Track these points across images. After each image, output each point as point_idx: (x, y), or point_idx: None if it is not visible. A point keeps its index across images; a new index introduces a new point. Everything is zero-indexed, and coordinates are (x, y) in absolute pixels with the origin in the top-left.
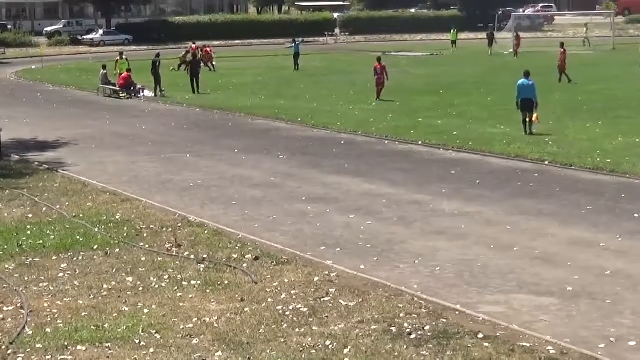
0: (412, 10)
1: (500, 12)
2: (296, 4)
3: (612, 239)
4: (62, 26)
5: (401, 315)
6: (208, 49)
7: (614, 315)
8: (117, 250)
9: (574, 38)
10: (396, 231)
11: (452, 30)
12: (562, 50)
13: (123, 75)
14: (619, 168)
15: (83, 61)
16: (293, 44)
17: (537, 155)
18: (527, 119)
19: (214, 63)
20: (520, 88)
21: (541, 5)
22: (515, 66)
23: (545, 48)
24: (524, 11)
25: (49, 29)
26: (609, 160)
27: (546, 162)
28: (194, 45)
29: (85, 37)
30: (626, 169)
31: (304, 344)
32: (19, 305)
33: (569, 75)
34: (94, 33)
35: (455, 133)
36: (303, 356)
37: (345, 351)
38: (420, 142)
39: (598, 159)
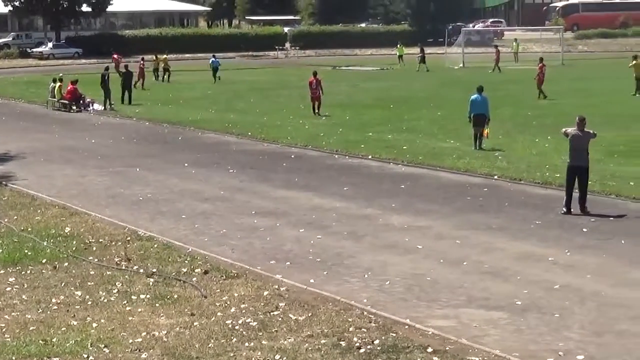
0: (363, 25)
1: (450, 27)
2: (247, 18)
3: (561, 253)
4: (11, 39)
5: (351, 329)
6: (141, 64)
7: (562, 329)
8: (66, 264)
9: (523, 52)
10: (346, 245)
11: (398, 45)
12: (541, 65)
13: (69, 88)
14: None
15: (32, 74)
16: (212, 59)
17: (487, 170)
18: (479, 134)
19: (166, 75)
20: (473, 103)
21: (491, 20)
22: (465, 81)
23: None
24: (473, 26)
25: None
26: (558, 175)
27: (495, 177)
28: (115, 55)
29: (34, 50)
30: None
31: (253, 359)
32: None
33: (544, 91)
34: (43, 46)
35: (405, 147)
36: None
37: None
38: (370, 157)
39: (547, 174)
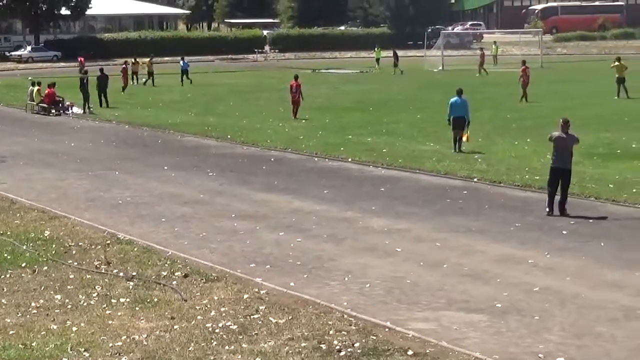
0: (342, 28)
1: (429, 30)
2: (226, 20)
3: (541, 255)
4: None
5: (331, 332)
6: (125, 68)
7: (542, 331)
8: (46, 267)
9: (502, 55)
10: (326, 248)
11: (375, 48)
12: (524, 67)
13: (47, 91)
14: (546, 185)
15: (10, 78)
16: (181, 62)
17: (466, 173)
18: (458, 137)
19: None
20: (453, 106)
21: (470, 23)
22: (444, 83)
23: (474, 66)
24: (453, 29)
25: None
26: (537, 178)
27: (475, 180)
28: (81, 59)
29: (13, 53)
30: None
31: None
32: None
33: (527, 94)
34: (22, 49)
35: (384, 150)
36: None
37: None
38: (350, 160)
39: (526, 177)
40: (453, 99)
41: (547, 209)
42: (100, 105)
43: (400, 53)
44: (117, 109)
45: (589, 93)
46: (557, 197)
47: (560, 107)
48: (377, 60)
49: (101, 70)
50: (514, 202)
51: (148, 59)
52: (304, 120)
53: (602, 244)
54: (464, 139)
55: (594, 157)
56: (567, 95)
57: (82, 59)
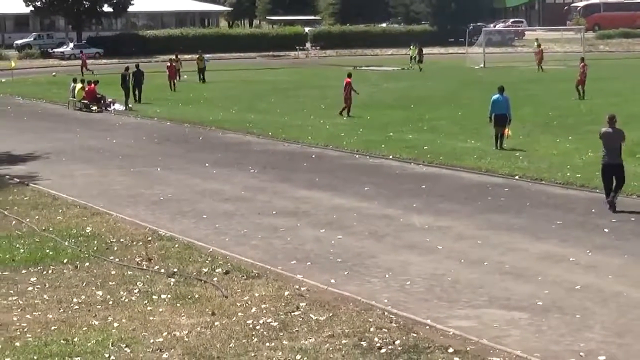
0: (384, 25)
1: (471, 27)
2: (267, 18)
3: (582, 253)
4: (32, 39)
5: (371, 329)
6: (170, 65)
7: (583, 329)
8: (87, 264)
9: (545, 52)
10: (366, 245)
11: (411, 46)
12: (583, 64)
13: (88, 88)
14: (589, 183)
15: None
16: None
17: (508, 170)
18: (500, 134)
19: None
20: (495, 103)
21: (512, 20)
22: (486, 81)
23: (516, 63)
24: (494, 26)
25: (19, 41)
26: (579, 175)
27: (516, 177)
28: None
29: (55, 50)
30: (596, 184)
31: (274, 358)
32: None
33: (585, 91)
34: (65, 46)
35: (425, 147)
36: None
37: None
38: (391, 157)
39: (568, 174)
40: (495, 96)
41: (605, 197)
42: (135, 101)
43: (442, 50)
44: (159, 105)
45: (632, 90)
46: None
47: (603, 104)
48: (412, 58)
49: (137, 66)
50: (555, 200)
51: (197, 56)
52: (345, 118)
53: None
54: (506, 135)
55: (637, 154)
56: (610, 92)
57: (84, 55)
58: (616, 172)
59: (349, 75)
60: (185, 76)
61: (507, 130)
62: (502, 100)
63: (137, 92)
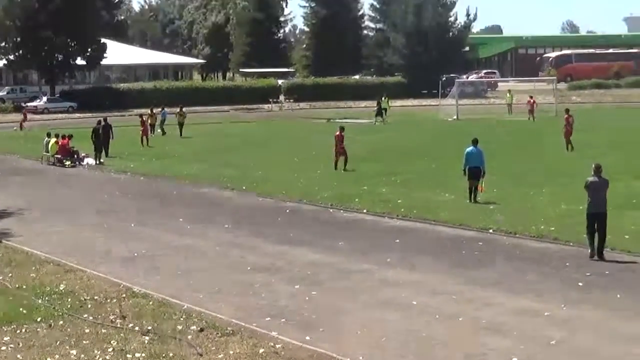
0: (357, 77)
1: (443, 79)
2: (240, 70)
3: (557, 308)
4: (5, 93)
5: None
6: (144, 119)
7: None
8: (61, 322)
9: (517, 104)
10: (341, 301)
11: (383, 98)
12: (567, 116)
13: (60, 143)
14: (562, 236)
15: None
16: (162, 111)
17: (482, 224)
18: (474, 187)
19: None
20: (468, 156)
21: (484, 71)
22: (459, 133)
23: (489, 114)
24: (467, 77)
25: None
26: (553, 228)
27: (491, 230)
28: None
29: (28, 104)
30: (570, 237)
31: None
32: None
33: (572, 142)
34: (38, 100)
35: (399, 201)
36: None
37: None
38: (365, 211)
39: (542, 227)
40: (468, 149)
41: (590, 251)
42: (106, 156)
43: (414, 102)
44: (133, 159)
45: (605, 142)
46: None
47: (575, 157)
48: (384, 110)
49: (105, 119)
50: (529, 253)
51: (178, 110)
52: (318, 171)
53: (619, 296)
54: (480, 190)
55: (610, 206)
56: (583, 143)
57: (26, 112)
58: (601, 220)
59: (342, 129)
60: (158, 130)
61: (481, 184)
62: (476, 152)
63: (105, 146)
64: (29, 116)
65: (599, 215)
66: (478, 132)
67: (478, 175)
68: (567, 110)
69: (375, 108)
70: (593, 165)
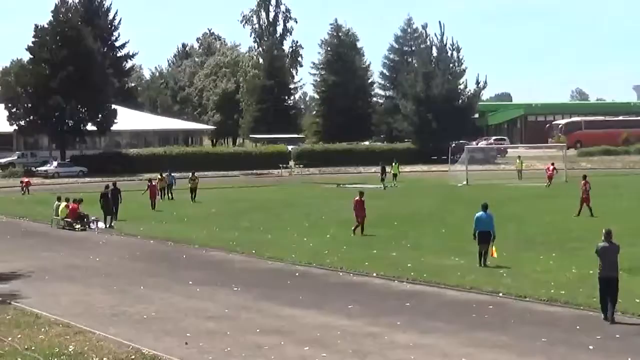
0: (366, 143)
1: (453, 145)
2: (250, 136)
3: None
4: (16, 157)
5: None
6: (151, 184)
7: None
8: None
9: (527, 170)
10: None
11: (393, 163)
12: (585, 182)
13: (71, 207)
14: (573, 300)
15: (37, 193)
16: (169, 176)
17: (492, 287)
18: (484, 252)
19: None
20: (478, 220)
21: (494, 138)
22: (468, 198)
23: (498, 180)
24: (477, 143)
25: (2, 160)
26: (563, 292)
27: (501, 294)
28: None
29: (39, 168)
30: (580, 301)
31: None
32: None
33: (592, 208)
34: (48, 165)
35: (409, 265)
36: None
37: None
38: (374, 274)
39: (552, 291)
40: (478, 214)
41: (603, 315)
42: (116, 219)
43: (424, 168)
44: (142, 223)
45: (614, 208)
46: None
47: (585, 222)
48: (395, 175)
49: (114, 184)
50: (539, 317)
51: (190, 175)
52: (328, 235)
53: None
54: (490, 253)
55: (620, 270)
56: (594, 210)
57: (26, 180)
58: (613, 284)
59: (361, 195)
60: (169, 196)
61: (493, 250)
62: (486, 217)
63: (114, 210)
64: (32, 180)
65: (611, 280)
66: (488, 198)
67: (488, 239)
68: (584, 177)
69: (379, 174)
70: (604, 231)
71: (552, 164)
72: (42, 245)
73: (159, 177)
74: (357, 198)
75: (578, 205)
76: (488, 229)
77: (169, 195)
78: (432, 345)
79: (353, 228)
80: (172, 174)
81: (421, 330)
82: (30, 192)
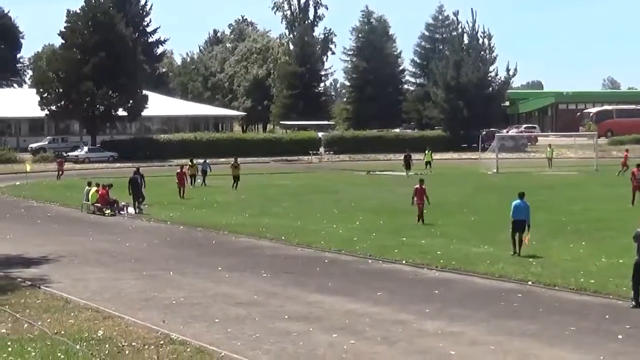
0: (397, 130)
1: (484, 133)
2: (281, 122)
3: (596, 359)
4: (47, 142)
5: None
6: (181, 171)
7: None
8: None
9: (557, 158)
10: (380, 351)
11: (426, 151)
12: (637, 169)
13: (100, 192)
14: (602, 289)
15: (68, 178)
16: (202, 163)
17: (521, 276)
18: (519, 240)
19: (198, 180)
20: (515, 208)
21: (525, 126)
22: (498, 186)
23: (529, 168)
24: (507, 132)
25: (33, 145)
26: (593, 281)
27: (530, 283)
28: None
29: (70, 153)
30: (610, 290)
31: None
32: None
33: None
34: (79, 150)
35: (438, 252)
36: None
37: None
38: (404, 262)
39: (582, 280)
40: (516, 202)
41: (633, 302)
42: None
43: (455, 155)
44: (172, 209)
45: None
46: None
47: (615, 210)
48: (428, 163)
49: (137, 169)
50: (568, 306)
51: (232, 162)
52: (357, 222)
53: None
54: (525, 242)
55: None
56: (623, 198)
57: (61, 160)
58: None
59: (422, 182)
60: (198, 180)
61: (527, 237)
62: (523, 206)
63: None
64: (65, 165)
65: None
66: (518, 186)
67: (523, 227)
68: (638, 165)
69: (403, 161)
70: None
71: (627, 150)
72: (71, 230)
73: (189, 163)
74: (417, 186)
75: (631, 194)
76: (524, 217)
77: (204, 182)
78: (460, 333)
79: (417, 216)
80: (207, 161)
81: (450, 318)
82: (63, 176)
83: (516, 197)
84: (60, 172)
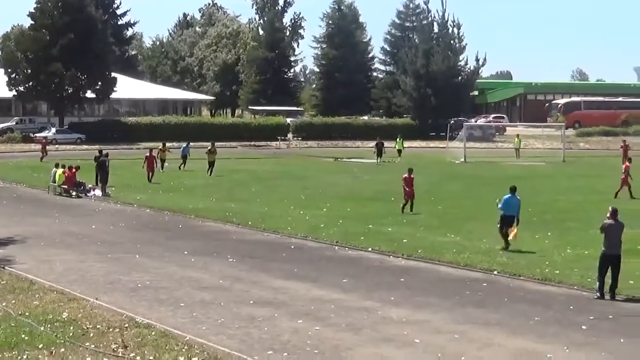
0: (365, 117)
1: (452, 122)
2: (250, 107)
3: (559, 350)
4: (14, 123)
5: None
6: (150, 155)
7: None
8: (62, 349)
9: (525, 149)
10: (344, 337)
11: (397, 139)
12: (627, 164)
13: (67, 174)
14: (567, 279)
15: (34, 159)
16: (184, 146)
17: (486, 265)
18: (507, 233)
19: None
20: (508, 203)
21: (493, 115)
22: (465, 175)
23: (496, 158)
24: (475, 121)
25: (0, 125)
26: (558, 272)
27: (495, 272)
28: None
29: (37, 135)
30: (574, 281)
31: None
32: None
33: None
34: (47, 131)
35: (405, 241)
36: None
37: None
38: (370, 249)
39: (547, 270)
40: (508, 196)
41: (598, 294)
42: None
43: (422, 144)
44: (139, 192)
45: (611, 188)
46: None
47: (582, 202)
48: (399, 151)
49: (100, 151)
50: (533, 296)
51: (209, 148)
52: (324, 209)
53: (622, 340)
54: (513, 236)
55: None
56: (588, 189)
57: (45, 141)
58: (615, 262)
59: (410, 171)
60: (166, 164)
61: (513, 232)
62: (516, 201)
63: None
64: (38, 146)
65: (614, 257)
66: (485, 175)
67: (511, 222)
68: (630, 160)
69: (375, 149)
70: (610, 209)
71: (624, 141)
72: (38, 212)
73: (160, 147)
74: (405, 175)
75: (618, 186)
76: (513, 213)
77: (183, 165)
78: (425, 321)
79: (402, 205)
80: (189, 145)
81: (415, 306)
82: (29, 158)
83: (508, 192)
84: (44, 154)
